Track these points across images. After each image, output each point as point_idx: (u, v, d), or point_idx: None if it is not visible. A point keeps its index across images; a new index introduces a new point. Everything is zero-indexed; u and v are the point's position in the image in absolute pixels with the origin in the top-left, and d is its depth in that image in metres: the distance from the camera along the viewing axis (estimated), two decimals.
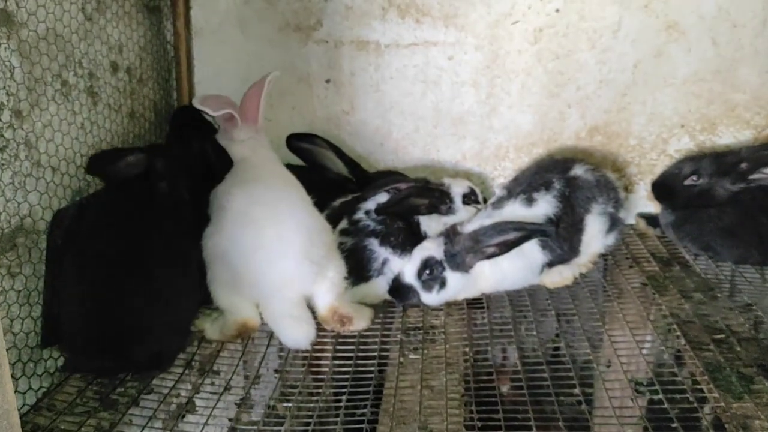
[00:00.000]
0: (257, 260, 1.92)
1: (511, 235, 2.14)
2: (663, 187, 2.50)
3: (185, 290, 1.95)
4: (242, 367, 1.95)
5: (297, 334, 1.94)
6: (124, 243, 1.86)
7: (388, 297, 2.24)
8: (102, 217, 1.91)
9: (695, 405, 1.68)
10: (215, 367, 1.93)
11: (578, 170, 2.36)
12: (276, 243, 1.93)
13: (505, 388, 1.95)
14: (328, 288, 2.02)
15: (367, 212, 2.30)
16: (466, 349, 1.99)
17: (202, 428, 1.66)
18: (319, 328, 2.03)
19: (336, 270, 2.06)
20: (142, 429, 1.64)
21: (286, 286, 1.95)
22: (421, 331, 2.09)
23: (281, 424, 1.70)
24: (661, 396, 1.70)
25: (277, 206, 2.01)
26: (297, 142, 2.58)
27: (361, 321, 2.08)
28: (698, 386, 1.74)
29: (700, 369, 1.79)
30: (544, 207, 2.25)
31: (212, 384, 1.88)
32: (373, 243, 2.24)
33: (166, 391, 1.80)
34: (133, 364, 1.83)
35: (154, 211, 1.99)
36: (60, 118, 1.96)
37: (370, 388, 1.83)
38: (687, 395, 1.71)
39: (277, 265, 1.93)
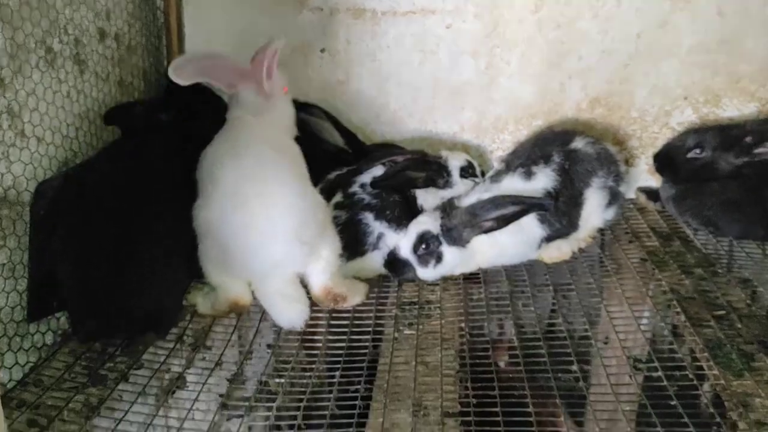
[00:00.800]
0: (247, 241, 1.85)
1: (509, 209, 2.09)
2: (665, 160, 2.45)
3: (179, 255, 1.94)
4: (235, 342, 1.92)
5: (290, 314, 1.90)
6: (122, 208, 1.85)
7: (383, 271, 2.20)
8: (100, 181, 1.90)
9: (694, 382, 1.65)
10: (207, 342, 1.90)
11: (578, 143, 2.31)
12: (265, 224, 1.85)
13: (502, 363, 1.92)
14: (321, 268, 1.96)
15: (362, 185, 2.25)
16: (462, 325, 1.96)
17: (193, 404, 1.63)
18: (314, 302, 1.99)
19: (330, 248, 1.99)
20: (132, 404, 1.61)
21: (277, 267, 1.89)
22: (417, 306, 2.06)
23: (273, 400, 1.67)
24: (659, 373, 1.67)
25: (268, 184, 1.90)
26: None
27: (355, 297, 2.05)
28: (698, 363, 1.71)
29: (699, 346, 1.76)
30: (543, 180, 2.20)
31: (204, 359, 1.85)
32: (368, 217, 2.19)
33: (156, 366, 1.76)
34: (132, 323, 1.81)
35: (151, 175, 1.99)
36: (44, 87, 1.90)
37: (364, 364, 1.80)
38: (686, 372, 1.68)
39: (266, 247, 1.86)
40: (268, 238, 1.85)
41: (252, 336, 1.93)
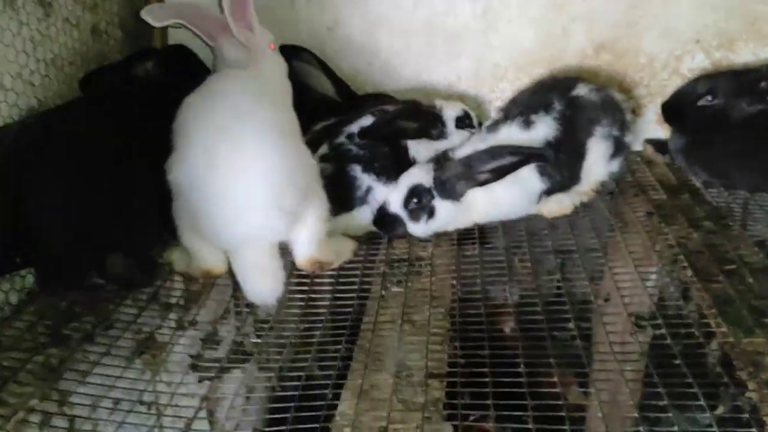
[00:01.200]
0: (219, 208, 1.66)
1: (506, 160, 1.96)
2: (674, 108, 2.29)
3: (152, 209, 1.83)
4: (211, 302, 1.81)
5: (262, 290, 1.72)
6: (92, 157, 1.76)
7: (372, 228, 2.08)
8: (70, 130, 1.79)
9: (701, 340, 1.53)
10: (182, 302, 1.79)
11: (581, 90, 2.16)
12: (240, 189, 1.65)
13: (507, 329, 1.80)
14: (307, 238, 1.80)
15: (349, 136, 2.11)
16: (454, 282, 1.84)
17: (161, 366, 1.53)
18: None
19: (317, 215, 1.80)
20: (95, 365, 1.50)
21: (253, 238, 1.70)
22: (407, 264, 1.94)
23: (247, 361, 1.56)
24: (663, 331, 1.55)
25: (246, 145, 1.68)
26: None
27: (341, 258, 1.92)
28: (705, 320, 1.59)
29: (707, 302, 1.63)
30: (543, 130, 2.06)
31: (178, 319, 1.74)
32: (356, 169, 2.06)
33: (125, 326, 1.66)
34: (108, 275, 1.73)
35: (123, 125, 1.88)
36: (2, 29, 1.76)
37: (347, 323, 1.69)
38: (692, 330, 1.56)
39: (241, 215, 1.67)
40: (243, 206, 1.65)
41: (230, 294, 1.81)
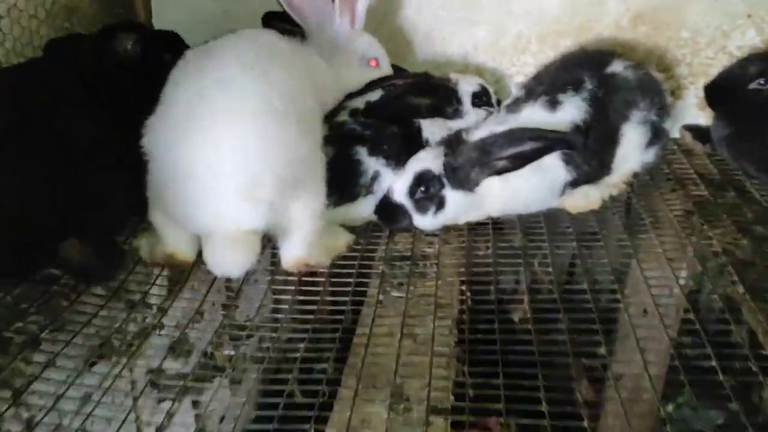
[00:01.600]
0: (188, 189, 1.40)
1: (528, 146, 1.70)
2: (720, 91, 2.03)
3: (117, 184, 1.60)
4: (181, 301, 1.56)
5: (228, 259, 1.42)
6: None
7: (374, 218, 1.83)
8: (22, 94, 1.55)
9: (759, 378, 1.28)
10: (147, 298, 1.54)
11: (616, 66, 1.89)
12: (210, 172, 1.37)
13: (516, 318, 1.56)
14: (293, 237, 1.54)
15: (353, 113, 1.83)
16: (463, 287, 1.59)
17: (113, 381, 1.29)
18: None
19: (308, 211, 1.53)
20: (35, 379, 1.26)
21: (222, 226, 1.42)
22: (409, 263, 1.69)
23: (216, 377, 1.32)
24: (713, 363, 1.30)
25: (225, 118, 1.41)
26: (277, 22, 1.97)
27: (333, 253, 1.67)
28: (761, 351, 1.34)
29: (763, 326, 1.38)
30: (570, 112, 1.80)
31: (142, 320, 1.50)
32: (362, 152, 1.78)
33: (77, 328, 1.41)
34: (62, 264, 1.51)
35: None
36: None
37: (338, 335, 1.44)
38: (748, 363, 1.31)
39: (209, 201, 1.39)
40: (211, 189, 1.38)
41: (203, 294, 1.56)
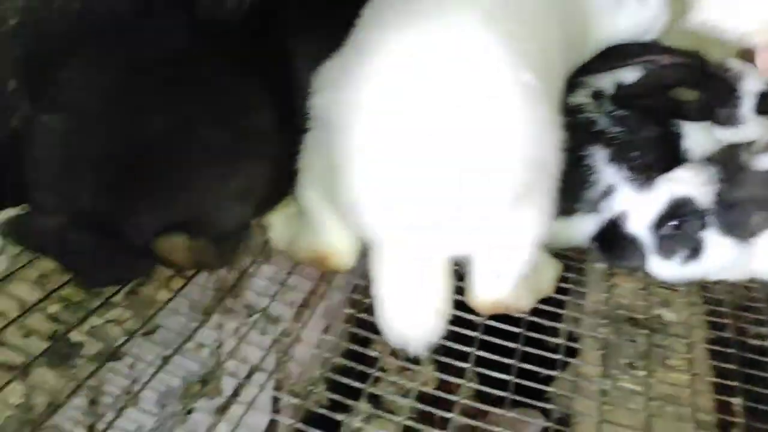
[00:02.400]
0: (368, 177, 0.91)
1: None
2: None
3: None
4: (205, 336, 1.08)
5: (405, 324, 0.98)
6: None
7: (586, 244, 1.30)
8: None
9: None
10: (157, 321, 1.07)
11: None
12: (442, 154, 0.89)
13: None
14: (498, 268, 1.04)
15: (595, 95, 1.29)
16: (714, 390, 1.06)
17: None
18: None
19: (528, 237, 1.03)
20: None
21: (404, 242, 0.94)
22: (646, 330, 1.16)
23: None
24: None
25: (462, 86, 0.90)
26: None
27: (538, 296, 1.17)
28: None
29: None
30: None
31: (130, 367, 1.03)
32: (598, 155, 1.23)
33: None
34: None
35: None
36: None
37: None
38: None
39: (421, 194, 0.89)
40: (431, 178, 0.89)
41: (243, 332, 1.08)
